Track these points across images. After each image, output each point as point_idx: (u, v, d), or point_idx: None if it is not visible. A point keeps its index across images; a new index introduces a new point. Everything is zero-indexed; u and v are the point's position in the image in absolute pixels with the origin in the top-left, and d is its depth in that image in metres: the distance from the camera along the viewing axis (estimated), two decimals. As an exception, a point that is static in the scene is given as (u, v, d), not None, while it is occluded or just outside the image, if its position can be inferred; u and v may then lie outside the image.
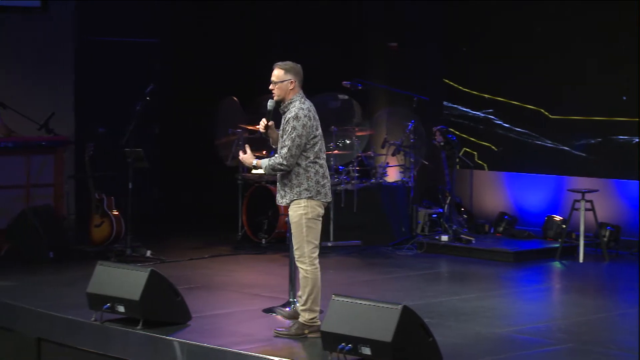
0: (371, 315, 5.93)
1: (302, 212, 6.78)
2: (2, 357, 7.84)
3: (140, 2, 12.71)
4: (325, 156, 6.95)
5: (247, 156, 7.02)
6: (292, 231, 6.86)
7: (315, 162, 6.81)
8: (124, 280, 6.97)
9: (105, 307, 6.96)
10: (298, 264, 6.81)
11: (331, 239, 10.84)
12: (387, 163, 11.39)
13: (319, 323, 6.70)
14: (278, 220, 10.85)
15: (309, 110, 6.82)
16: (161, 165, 12.70)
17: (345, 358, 5.97)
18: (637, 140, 10.51)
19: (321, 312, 6.74)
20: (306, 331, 6.79)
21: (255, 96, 11.68)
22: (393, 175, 11.59)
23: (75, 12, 12.40)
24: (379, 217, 11.06)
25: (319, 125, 6.90)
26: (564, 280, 9.72)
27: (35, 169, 10.41)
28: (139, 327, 6.82)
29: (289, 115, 6.78)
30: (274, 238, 10.88)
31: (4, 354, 7.82)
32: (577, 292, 8.81)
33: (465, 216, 11.39)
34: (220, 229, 11.69)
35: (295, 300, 7.50)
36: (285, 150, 6.74)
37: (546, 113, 11.14)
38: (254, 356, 6.23)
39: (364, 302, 6.04)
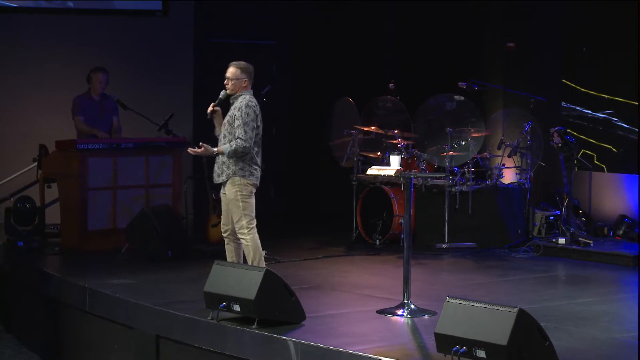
0: (486, 318, 5.87)
1: (236, 190, 7.87)
2: (122, 354, 8.01)
3: (257, 5, 12.85)
4: (260, 151, 8.00)
5: (205, 149, 7.91)
6: (230, 207, 7.94)
7: (252, 149, 7.89)
8: (239, 280, 7.05)
9: (221, 306, 7.05)
10: (240, 236, 7.92)
11: (446, 240, 10.79)
12: (503, 164, 11.26)
13: None
14: (392, 222, 10.84)
15: (256, 105, 7.96)
16: (278, 166, 12.82)
17: (459, 361, 5.94)
18: None
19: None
20: None
21: (370, 97, 11.72)
22: (509, 176, 11.46)
23: (195, 14, 12.62)
24: (494, 219, 10.95)
25: (261, 122, 7.99)
26: (686, 286, 9.46)
27: (154, 170, 10.60)
28: (254, 326, 6.89)
29: (241, 104, 7.88)
30: (388, 239, 10.87)
31: (124, 351, 7.99)
32: (700, 298, 8.57)
33: (583, 219, 11.20)
34: (335, 229, 11.73)
35: (409, 301, 7.50)
36: (242, 132, 7.81)
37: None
38: (368, 357, 6.22)
39: (479, 305, 5.98)
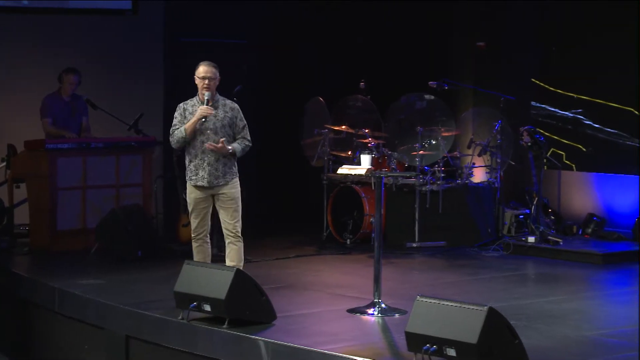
0: (457, 316, 5.89)
1: (239, 189, 7.88)
2: (93, 354, 7.98)
3: (227, 4, 12.82)
4: None
5: (223, 146, 7.74)
6: (233, 206, 7.83)
7: None
8: (210, 280, 7.04)
9: (192, 305, 7.04)
10: (238, 235, 7.84)
11: (416, 239, 10.81)
12: (474, 163, 11.31)
13: None
14: (363, 221, 10.85)
15: None
16: (249, 166, 12.78)
17: (430, 359, 5.95)
18: None
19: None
20: None
21: (341, 96, 11.72)
22: (479, 175, 11.51)
23: (165, 13, 12.57)
24: (464, 218, 10.99)
25: None
26: (654, 283, 9.54)
27: (125, 169, 10.57)
28: (224, 326, 6.89)
29: (233, 106, 7.92)
30: (358, 238, 10.89)
31: (95, 351, 7.96)
32: (667, 296, 8.63)
33: (552, 217, 11.25)
34: (306, 229, 11.73)
35: (380, 300, 7.51)
36: (247, 133, 7.89)
37: (637, 112, 10.94)
38: (338, 356, 6.23)
39: (449, 303, 6.01)
